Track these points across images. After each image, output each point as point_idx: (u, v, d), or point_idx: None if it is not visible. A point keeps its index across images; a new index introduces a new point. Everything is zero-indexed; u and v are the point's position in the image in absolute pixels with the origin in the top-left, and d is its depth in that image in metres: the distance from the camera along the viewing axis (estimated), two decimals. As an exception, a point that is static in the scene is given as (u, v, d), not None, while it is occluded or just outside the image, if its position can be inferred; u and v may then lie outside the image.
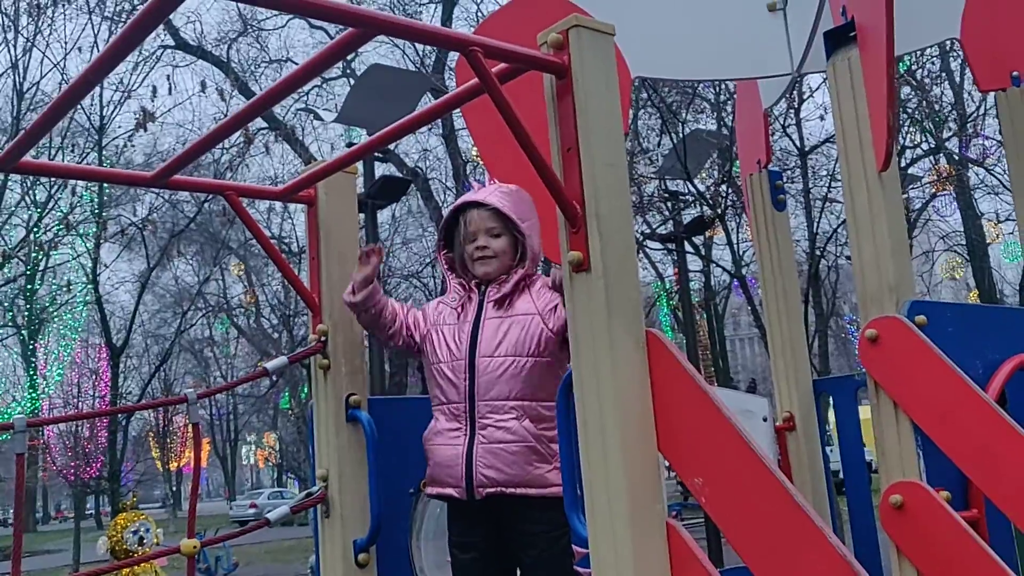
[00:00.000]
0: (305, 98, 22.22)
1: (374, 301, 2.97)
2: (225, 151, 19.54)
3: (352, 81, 23.35)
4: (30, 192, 20.85)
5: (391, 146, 16.51)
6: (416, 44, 23.33)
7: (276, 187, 3.16)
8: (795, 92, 17.30)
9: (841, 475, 4.36)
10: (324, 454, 3.09)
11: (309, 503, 3.06)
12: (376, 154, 15.79)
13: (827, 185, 19.80)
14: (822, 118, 19.78)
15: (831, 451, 4.65)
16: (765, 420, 4.17)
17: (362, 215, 17.14)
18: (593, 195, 2.25)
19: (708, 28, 4.17)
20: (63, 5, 19.23)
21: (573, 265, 2.25)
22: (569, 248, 2.28)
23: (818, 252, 20.76)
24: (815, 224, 20.66)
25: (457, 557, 2.88)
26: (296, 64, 24.22)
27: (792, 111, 19.78)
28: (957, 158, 20.34)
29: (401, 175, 20.08)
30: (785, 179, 4.90)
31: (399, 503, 3.23)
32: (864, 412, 3.48)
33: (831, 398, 4.43)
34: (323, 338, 3.11)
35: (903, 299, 2.84)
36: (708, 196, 17.71)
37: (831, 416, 4.64)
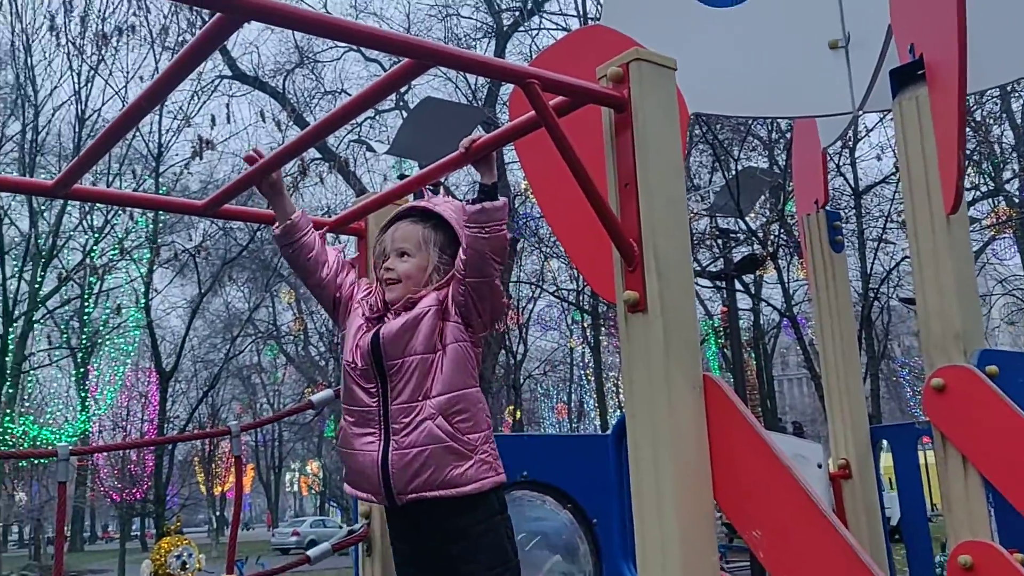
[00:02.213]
0: (358, 130, 22.45)
1: (296, 236, 2.75)
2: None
3: (405, 113, 23.58)
4: (87, 217, 21.24)
5: (441, 179, 16.61)
6: (468, 77, 23.56)
7: (328, 218, 3.13)
8: (851, 131, 17.10)
9: (892, 522, 4.22)
10: (367, 490, 3.03)
11: (351, 540, 3.00)
12: (427, 186, 15.88)
13: (882, 226, 19.48)
14: (879, 158, 19.52)
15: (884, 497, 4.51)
16: (820, 467, 4.03)
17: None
18: (651, 232, 2.18)
19: (768, 65, 4.09)
20: (126, 35, 19.66)
21: (629, 305, 2.18)
22: (625, 287, 2.21)
23: (871, 294, 20.40)
24: (869, 265, 20.33)
25: (396, 553, 2.75)
26: (351, 96, 24.57)
27: (847, 150, 19.54)
28: (1017, 200, 19.92)
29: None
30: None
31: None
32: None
33: (886, 444, 4.29)
34: (370, 371, 3.05)
35: (971, 347, 2.73)
36: (759, 234, 17.51)
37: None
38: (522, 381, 29.32)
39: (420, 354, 2.56)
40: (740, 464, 2.11)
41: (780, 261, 19.27)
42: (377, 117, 24.02)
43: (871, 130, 19.44)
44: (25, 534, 48.57)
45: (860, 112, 4.13)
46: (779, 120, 16.65)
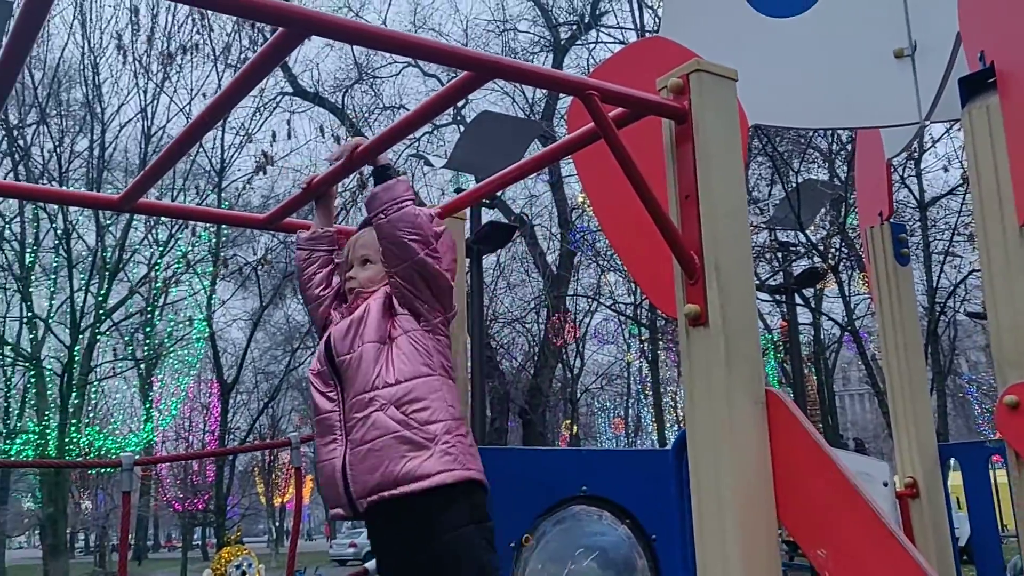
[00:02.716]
0: (416, 144, 22.63)
1: (319, 246, 2.77)
2: (339, 194, 20.00)
3: (462, 128, 23.73)
4: (152, 231, 21.69)
5: (498, 192, 16.64)
6: (526, 92, 23.64)
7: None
8: (916, 142, 16.80)
9: (961, 543, 4.10)
10: (425, 503, 3.03)
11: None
12: (483, 200, 15.94)
13: (948, 239, 19.07)
14: (946, 169, 19.11)
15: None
16: (886, 485, 3.94)
17: (467, 260, 17.27)
18: (712, 245, 2.15)
19: (830, 75, 4.03)
20: (191, 53, 20.10)
21: (690, 319, 2.15)
22: (686, 301, 2.18)
23: (937, 308, 19.96)
24: (935, 279, 19.90)
25: (379, 561, 2.62)
26: (409, 111, 24.82)
27: (912, 161, 19.17)
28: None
29: (507, 221, 20.21)
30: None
31: (501, 556, 3.14)
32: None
33: (953, 462, 4.18)
34: (428, 384, 3.06)
35: (1046, 363, 2.64)
36: (820, 247, 17.25)
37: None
38: (579, 395, 29.19)
39: (369, 342, 2.46)
40: (805, 481, 2.07)
41: (841, 275, 18.96)
42: (435, 131, 24.18)
43: (937, 141, 19.05)
44: (90, 542, 49.58)
45: (927, 122, 4.04)
46: (840, 132, 16.41)
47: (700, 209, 2.17)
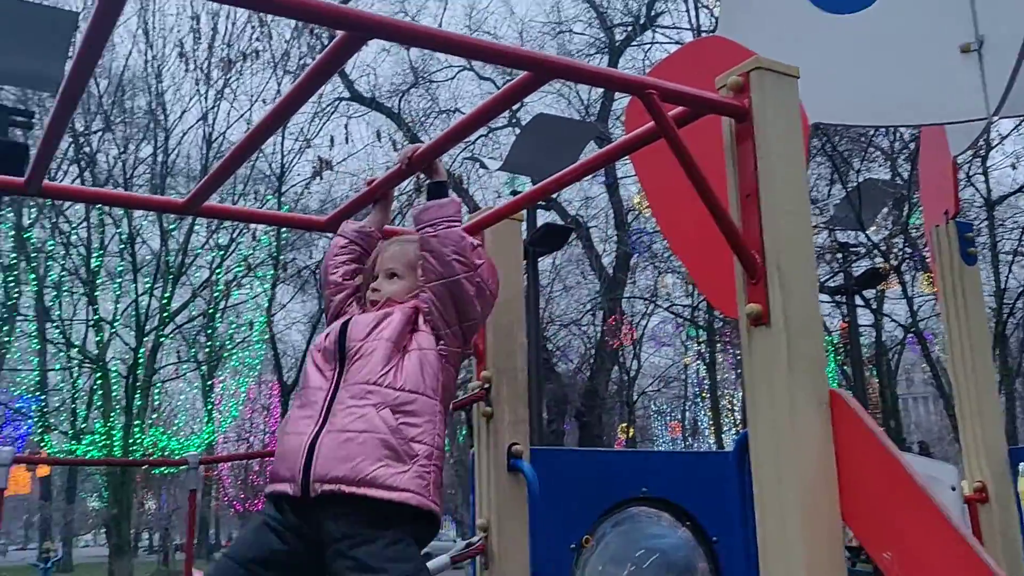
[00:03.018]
0: (471, 147, 22.71)
1: (360, 243, 2.73)
2: (396, 198, 20.18)
3: (517, 130, 23.76)
4: (214, 236, 22.07)
5: (554, 194, 16.66)
6: (581, 93, 23.61)
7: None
8: (983, 139, 16.43)
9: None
10: (485, 504, 3.04)
11: (469, 554, 3.01)
12: (539, 202, 15.95)
13: (1017, 238, 18.62)
14: (1014, 166, 18.66)
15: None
16: (954, 489, 3.86)
17: (523, 262, 17.29)
18: (774, 244, 2.13)
19: (893, 72, 3.96)
20: (251, 60, 20.43)
21: (751, 318, 2.13)
22: (747, 300, 2.16)
23: (1005, 309, 19.48)
24: (1003, 280, 19.44)
25: (262, 526, 2.37)
26: (464, 114, 24.93)
27: (978, 159, 18.76)
28: None
29: (563, 223, 20.20)
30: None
31: (560, 558, 3.14)
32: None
33: (1023, 467, 4.07)
34: (487, 385, 3.07)
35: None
36: (882, 247, 16.95)
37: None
38: (635, 398, 29.04)
39: (386, 340, 2.40)
40: (870, 482, 2.03)
41: (904, 275, 18.61)
42: (490, 134, 24.25)
43: (1005, 138, 18.61)
44: (154, 541, 50.55)
45: (994, 119, 3.96)
46: (902, 130, 16.12)
47: (761, 208, 2.15)
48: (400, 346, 2.41)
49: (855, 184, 15.61)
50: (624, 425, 28.70)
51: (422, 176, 2.61)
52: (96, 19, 1.75)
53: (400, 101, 24.39)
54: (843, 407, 2.10)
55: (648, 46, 23.56)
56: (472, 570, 3.09)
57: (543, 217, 16.33)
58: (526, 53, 2.02)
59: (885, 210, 16.78)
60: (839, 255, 16.78)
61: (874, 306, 20.83)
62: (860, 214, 14.24)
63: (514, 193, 18.87)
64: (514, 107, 25.50)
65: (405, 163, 2.57)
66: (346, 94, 23.69)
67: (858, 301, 17.02)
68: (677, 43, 21.71)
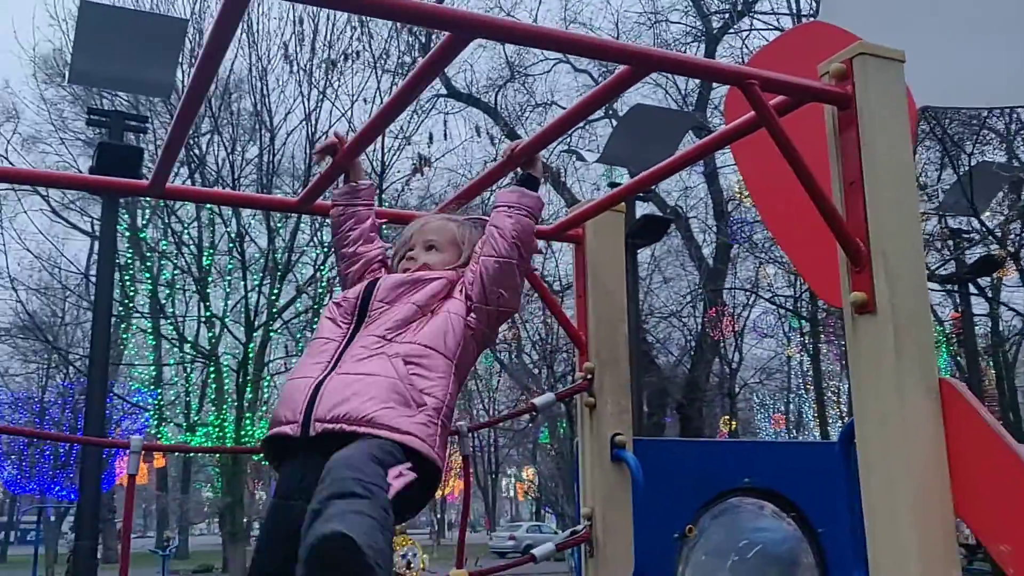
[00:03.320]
0: (568, 140, 22.70)
1: (354, 201, 2.68)
2: (492, 192, 20.34)
3: (614, 122, 23.63)
4: (318, 233, 22.59)
5: (652, 185, 16.51)
6: (678, 83, 23.36)
7: (544, 226, 3.18)
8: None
9: None
10: (589, 493, 3.08)
11: (574, 541, 3.05)
12: (638, 193, 15.87)
13: None
14: None
15: None
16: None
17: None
18: (879, 231, 2.11)
19: (1008, 52, 3.84)
20: (351, 60, 20.83)
21: (856, 307, 2.12)
22: (852, 288, 2.14)
23: None
24: None
25: (272, 514, 2.24)
26: (561, 107, 24.88)
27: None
28: None
29: (663, 214, 20.04)
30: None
31: (664, 547, 3.16)
32: None
33: None
34: (589, 376, 3.11)
35: None
36: (997, 233, 16.32)
37: None
38: (737, 390, 28.63)
39: (411, 303, 2.37)
40: (985, 473, 2.00)
41: (1023, 262, 17.89)
42: (587, 126, 24.18)
43: None
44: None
45: (1114, 97, 3.80)
46: (1020, 110, 15.48)
47: (866, 195, 2.13)
48: (427, 310, 2.38)
49: (967, 168, 15.06)
50: (726, 417, 28.33)
51: (519, 170, 2.64)
52: (215, 33, 1.84)
53: (497, 96, 24.53)
54: (954, 396, 2.07)
55: (746, 33, 23.15)
56: (577, 558, 3.13)
57: (641, 209, 16.21)
58: (626, 47, 2.05)
59: (1001, 194, 16.15)
60: (950, 242, 16.24)
61: (989, 294, 20.06)
62: (973, 199, 13.74)
63: (612, 185, 18.82)
64: (612, 101, 25.43)
65: (506, 156, 2.61)
66: (444, 91, 23.94)
67: (972, 289, 16.43)
68: (776, 29, 21.26)
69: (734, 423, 29.06)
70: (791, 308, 24.33)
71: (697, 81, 22.90)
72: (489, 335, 2.48)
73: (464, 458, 3.14)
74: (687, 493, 3.23)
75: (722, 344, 25.00)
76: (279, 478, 2.30)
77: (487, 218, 2.52)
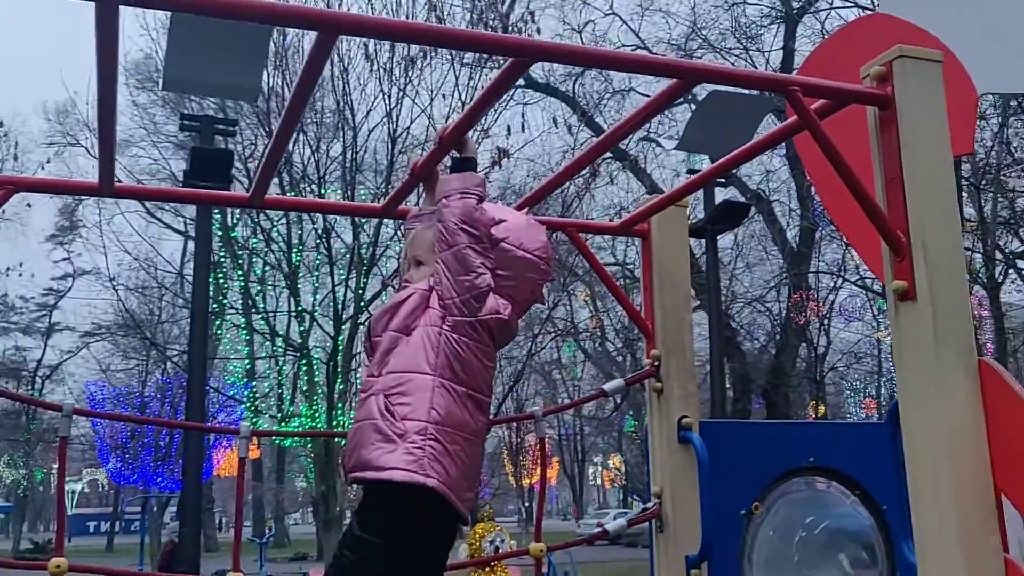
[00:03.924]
0: (648, 126, 22.68)
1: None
2: (572, 183, 20.49)
3: (693, 107, 23.52)
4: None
5: (733, 170, 16.45)
6: (756, 63, 23.14)
7: (613, 222, 3.39)
8: None
9: None
10: (658, 472, 3.28)
11: (644, 517, 3.26)
12: (718, 179, 15.84)
13: None
14: None
15: None
16: None
17: (701, 240, 17.20)
18: (919, 224, 2.26)
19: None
20: (430, 56, 21.16)
21: (898, 294, 2.27)
22: (894, 277, 2.30)
23: None
24: None
25: None
26: (640, 93, 24.85)
27: None
28: None
29: (744, 198, 19.93)
30: None
31: (730, 524, 3.33)
32: None
33: None
34: (656, 362, 3.30)
35: None
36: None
37: None
38: (824, 374, 28.27)
39: (392, 331, 2.47)
40: (1022, 446, 2.14)
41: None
42: (667, 112, 24.09)
43: None
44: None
45: None
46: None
47: (905, 190, 2.28)
48: (406, 330, 2.46)
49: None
50: (814, 402, 28.01)
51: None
52: (312, 57, 2.09)
53: (575, 85, 24.61)
54: (993, 376, 2.21)
55: (826, 13, 22.81)
56: (649, 532, 3.33)
57: (721, 194, 16.16)
58: (673, 62, 2.24)
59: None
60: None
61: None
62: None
63: (691, 172, 18.79)
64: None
65: (437, 142, 2.66)
66: (521, 81, 24.14)
67: None
68: (857, 6, 20.90)
69: (823, 408, 28.70)
70: (879, 291, 23.93)
71: (778, 60, 22.68)
72: (478, 314, 2.45)
73: (540, 440, 3.36)
74: (752, 472, 3.39)
75: (808, 329, 24.72)
76: None
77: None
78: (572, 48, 2.09)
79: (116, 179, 2.78)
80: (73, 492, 57.13)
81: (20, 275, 31.99)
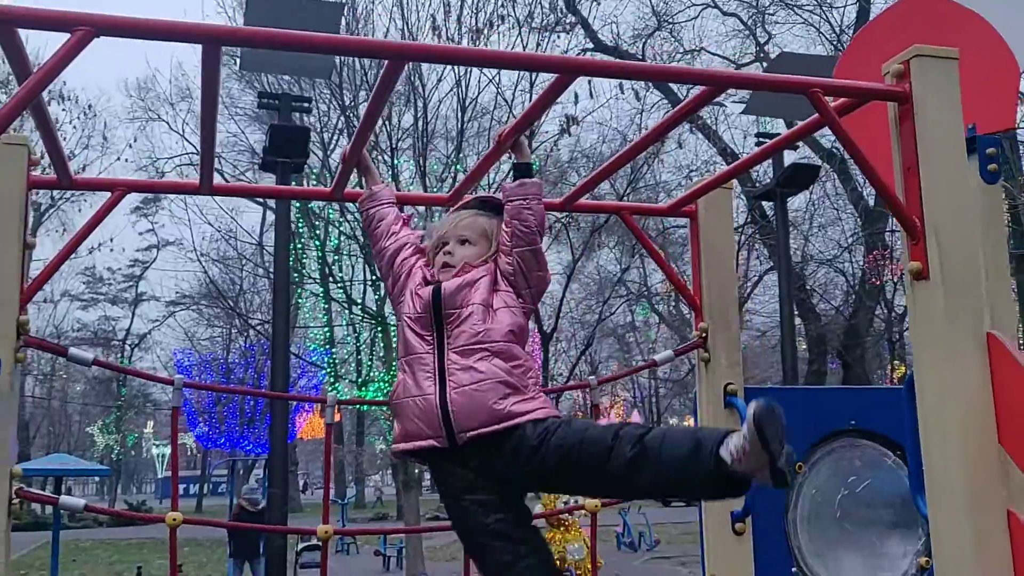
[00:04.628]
0: (717, 89, 22.51)
1: (371, 204, 3.02)
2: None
3: (764, 65, 23.32)
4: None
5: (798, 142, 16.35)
6: (831, 20, 22.85)
7: (661, 204, 3.65)
8: None
9: None
10: (706, 435, 3.56)
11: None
12: (793, 143, 15.80)
13: None
14: None
15: None
16: None
17: (771, 203, 17.19)
18: (932, 210, 2.49)
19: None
20: (496, 25, 21.40)
21: (913, 274, 2.51)
22: (910, 258, 2.54)
23: None
24: None
25: (455, 506, 2.66)
26: (710, 53, 24.65)
27: None
28: None
29: (817, 159, 19.79)
30: None
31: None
32: None
33: None
34: (704, 334, 3.58)
35: None
36: None
37: None
38: (903, 335, 27.96)
39: (478, 303, 2.68)
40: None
41: None
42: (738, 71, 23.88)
43: None
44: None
45: None
46: None
47: (920, 179, 2.51)
48: (488, 304, 2.70)
49: None
50: (892, 365, 27.76)
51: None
52: (384, 80, 2.40)
53: (643, 47, 24.55)
54: (999, 348, 2.44)
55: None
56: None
57: (790, 157, 16.12)
58: (702, 72, 2.49)
59: None
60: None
61: None
62: None
63: (761, 135, 18.74)
64: (762, 41, 25.02)
65: (496, 143, 2.91)
66: (590, 45, 24.18)
67: None
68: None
69: (903, 368, 28.42)
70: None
71: (852, 18, 22.34)
72: (535, 304, 2.85)
73: (594, 406, 3.68)
74: (796, 434, 3.63)
75: (883, 289, 24.48)
76: (442, 480, 2.69)
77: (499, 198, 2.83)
78: (615, 64, 2.35)
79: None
80: (162, 456, 59.42)
81: (112, 250, 33.23)
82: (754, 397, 3.52)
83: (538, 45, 22.91)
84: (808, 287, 24.37)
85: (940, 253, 2.46)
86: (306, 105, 15.06)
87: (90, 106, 29.06)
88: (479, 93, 22.77)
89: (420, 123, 23.74)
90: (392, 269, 2.94)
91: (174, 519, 3.17)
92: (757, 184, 21.14)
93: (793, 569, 3.65)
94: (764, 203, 20.28)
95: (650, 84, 22.50)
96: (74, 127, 28.98)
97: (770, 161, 16.18)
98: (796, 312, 22.85)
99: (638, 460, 2.41)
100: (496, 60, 2.21)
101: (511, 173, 2.84)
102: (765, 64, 23.20)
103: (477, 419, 2.56)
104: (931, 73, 2.55)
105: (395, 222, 3.00)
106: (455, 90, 23.05)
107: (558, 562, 10.63)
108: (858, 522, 3.73)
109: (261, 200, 30.64)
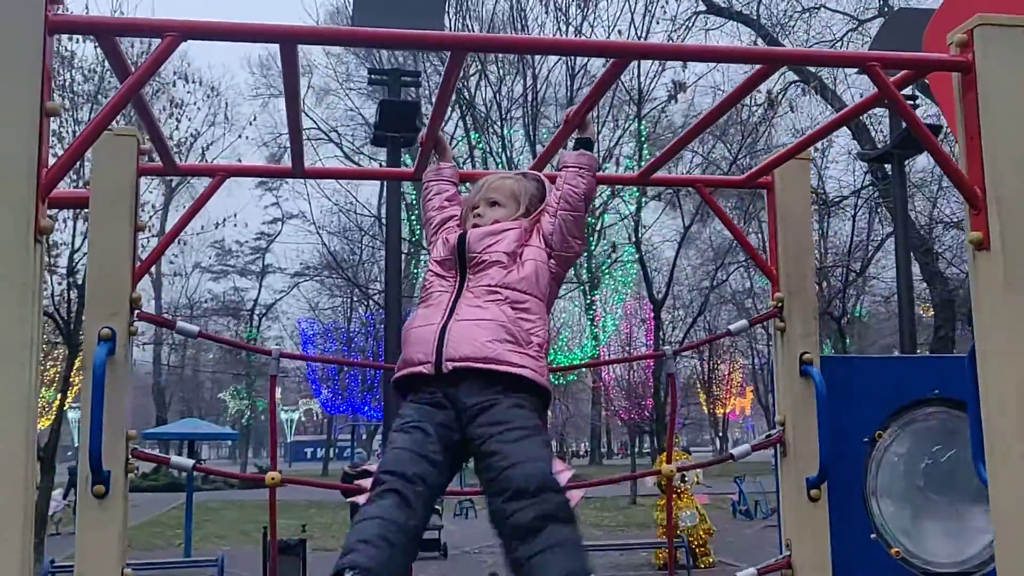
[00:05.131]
0: (840, 42, 21.87)
1: (434, 178, 3.14)
2: (751, 112, 20.25)
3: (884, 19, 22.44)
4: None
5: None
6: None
7: (736, 176, 3.69)
8: None
9: None
10: (782, 402, 3.62)
11: (768, 443, 3.62)
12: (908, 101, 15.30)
13: None
14: None
15: None
16: None
17: (887, 165, 16.66)
18: (994, 180, 2.50)
19: None
20: (605, -8, 21.35)
21: (975, 244, 2.53)
22: (971, 229, 2.55)
23: None
24: None
25: (402, 432, 2.58)
26: (829, 9, 23.85)
27: None
28: None
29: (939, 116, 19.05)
30: None
31: (852, 450, 3.65)
32: None
33: None
34: (779, 304, 3.62)
35: None
36: None
37: None
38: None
39: (500, 252, 2.74)
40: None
41: None
42: (859, 28, 23.10)
43: None
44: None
45: None
46: None
47: (983, 149, 2.51)
48: (514, 256, 2.76)
49: None
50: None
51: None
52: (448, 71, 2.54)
53: (758, 6, 23.95)
54: (1060, 318, 2.44)
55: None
56: (774, 455, 3.68)
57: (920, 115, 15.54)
58: (759, 51, 2.54)
59: None
60: None
61: None
62: None
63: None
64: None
65: (564, 123, 3.04)
66: (702, 7, 23.75)
67: None
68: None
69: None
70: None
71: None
72: (563, 275, 2.91)
73: (670, 375, 3.77)
74: (875, 403, 3.67)
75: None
76: (416, 399, 2.65)
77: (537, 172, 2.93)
78: (683, 47, 2.43)
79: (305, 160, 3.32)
80: (291, 421, 61.66)
81: (235, 225, 34.54)
82: (833, 367, 3.56)
83: (646, 12, 22.73)
84: (935, 251, 23.53)
85: (1001, 224, 2.46)
86: (415, 80, 15.33)
87: (213, 88, 30.17)
88: (587, 61, 22.74)
89: (530, 93, 23.87)
90: (436, 235, 3.02)
91: (272, 478, 3.45)
92: (879, 145, 20.49)
93: (872, 535, 3.67)
94: (886, 165, 19.67)
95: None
96: (198, 108, 30.11)
97: (886, 124, 15.61)
98: (921, 276, 22.14)
99: (525, 532, 2.35)
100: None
101: (572, 144, 2.96)
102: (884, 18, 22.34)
103: (463, 351, 2.58)
104: (995, 42, 2.54)
105: (450, 198, 3.12)
106: (565, 60, 23.09)
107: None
108: (942, 491, 3.73)
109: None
